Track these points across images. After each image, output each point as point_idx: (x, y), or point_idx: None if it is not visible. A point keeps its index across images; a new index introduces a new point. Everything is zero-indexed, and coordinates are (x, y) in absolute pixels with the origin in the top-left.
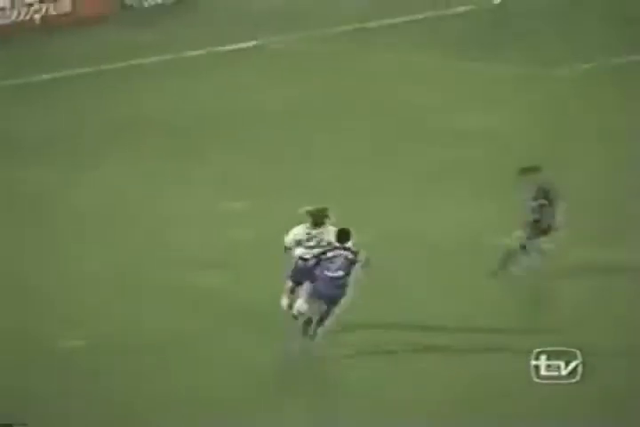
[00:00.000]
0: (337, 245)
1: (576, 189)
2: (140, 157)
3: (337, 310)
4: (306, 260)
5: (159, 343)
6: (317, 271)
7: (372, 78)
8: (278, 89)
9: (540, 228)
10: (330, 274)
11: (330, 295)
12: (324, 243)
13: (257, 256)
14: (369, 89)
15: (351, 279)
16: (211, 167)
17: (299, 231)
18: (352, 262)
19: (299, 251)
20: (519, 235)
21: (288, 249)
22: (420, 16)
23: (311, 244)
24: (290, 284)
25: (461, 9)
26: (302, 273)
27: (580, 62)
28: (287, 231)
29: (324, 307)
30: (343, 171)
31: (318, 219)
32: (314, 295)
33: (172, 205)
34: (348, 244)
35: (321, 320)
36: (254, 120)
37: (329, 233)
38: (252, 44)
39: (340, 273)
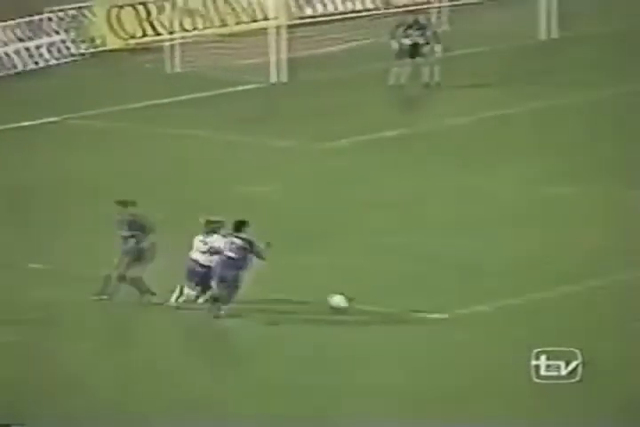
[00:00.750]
0: (234, 233)
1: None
2: None
3: (238, 291)
4: (197, 262)
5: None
6: (218, 258)
7: (163, 152)
8: (78, 161)
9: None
10: (228, 254)
11: (230, 278)
12: (212, 249)
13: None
14: (159, 163)
15: (247, 266)
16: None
17: (197, 239)
18: (244, 249)
19: (194, 255)
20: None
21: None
22: (208, 93)
23: (203, 249)
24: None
25: (246, 87)
26: (194, 274)
27: (351, 135)
28: None
29: (228, 288)
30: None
31: (211, 228)
32: (219, 279)
33: None
34: (242, 234)
35: (226, 300)
36: (58, 191)
37: (219, 241)
38: (51, 119)
39: (234, 255)
